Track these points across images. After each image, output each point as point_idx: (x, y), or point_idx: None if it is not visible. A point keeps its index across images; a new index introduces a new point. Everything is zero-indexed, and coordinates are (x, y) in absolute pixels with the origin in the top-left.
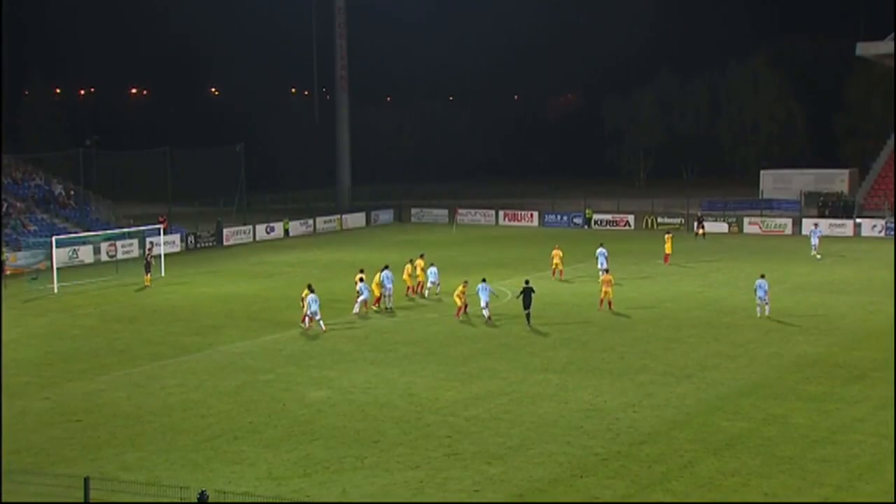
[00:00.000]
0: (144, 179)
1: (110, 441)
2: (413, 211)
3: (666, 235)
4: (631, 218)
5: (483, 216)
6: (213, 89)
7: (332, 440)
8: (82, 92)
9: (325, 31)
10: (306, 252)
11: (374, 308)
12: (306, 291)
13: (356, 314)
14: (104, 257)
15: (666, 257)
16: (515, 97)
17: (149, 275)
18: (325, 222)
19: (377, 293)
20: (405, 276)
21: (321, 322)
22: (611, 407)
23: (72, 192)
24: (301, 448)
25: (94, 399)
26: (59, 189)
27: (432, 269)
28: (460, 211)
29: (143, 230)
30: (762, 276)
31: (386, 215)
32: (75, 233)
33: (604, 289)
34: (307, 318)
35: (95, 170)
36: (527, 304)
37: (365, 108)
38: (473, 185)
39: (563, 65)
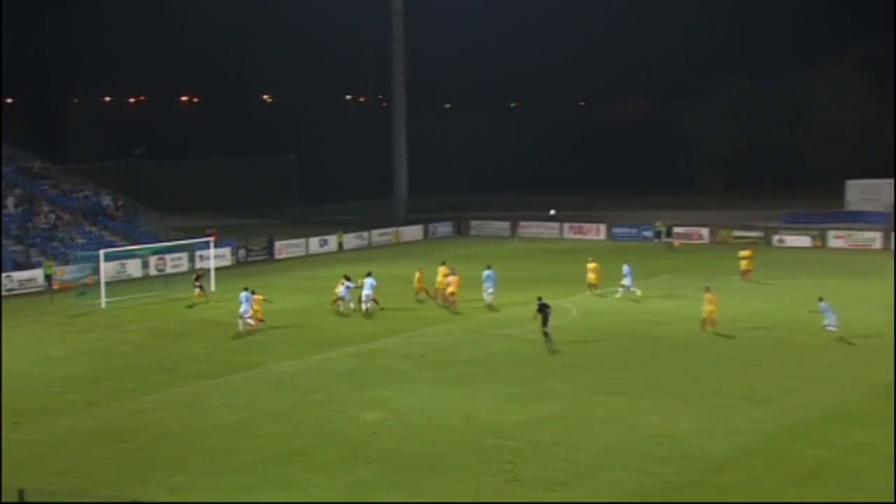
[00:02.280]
0: (194, 190)
1: (157, 463)
2: (473, 223)
3: (742, 252)
4: (705, 231)
5: (546, 228)
6: (265, 96)
7: (387, 464)
8: (133, 100)
9: (382, 35)
10: (361, 266)
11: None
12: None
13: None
14: (153, 271)
15: (745, 273)
16: (581, 103)
17: (199, 290)
18: (380, 235)
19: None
20: (415, 283)
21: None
22: (683, 432)
23: (120, 204)
24: (354, 472)
25: (141, 419)
26: (107, 201)
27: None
28: (523, 223)
29: (193, 243)
30: (821, 300)
31: (444, 228)
32: (123, 246)
33: (707, 307)
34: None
35: (144, 180)
36: (545, 321)
37: (422, 116)
38: (535, 196)
39: (631, 69)
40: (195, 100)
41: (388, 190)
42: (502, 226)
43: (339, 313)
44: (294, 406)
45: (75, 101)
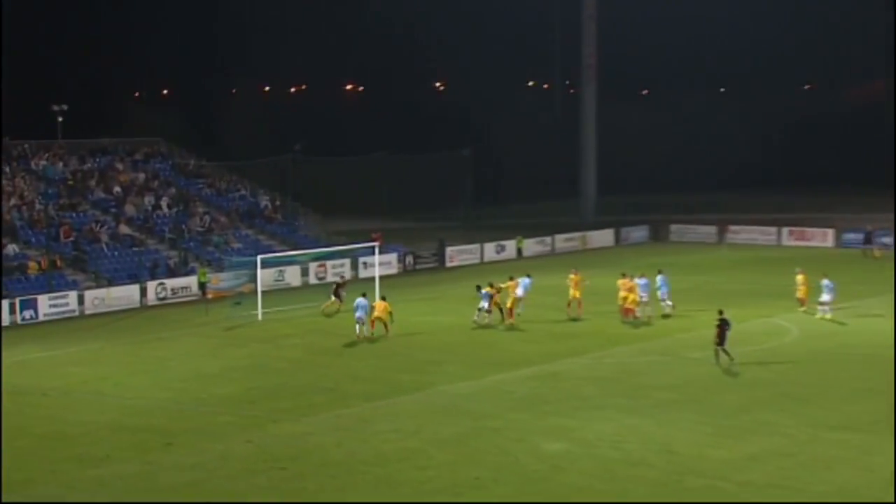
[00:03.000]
0: (356, 189)
1: (318, 493)
2: (672, 227)
3: None
4: None
5: (761, 234)
6: (436, 84)
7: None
8: (293, 89)
9: (570, 12)
10: (543, 276)
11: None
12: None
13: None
14: (312, 279)
15: None
16: (806, 87)
17: (335, 298)
18: (565, 240)
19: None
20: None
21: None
22: None
23: (278, 205)
24: None
25: (300, 444)
26: (264, 201)
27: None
28: (732, 228)
29: (356, 249)
30: None
31: (639, 232)
32: (282, 251)
33: None
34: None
35: (303, 179)
36: (721, 339)
37: (615, 104)
38: (748, 196)
39: (866, 47)
40: (359, 89)
41: (575, 189)
42: (708, 231)
43: (482, 326)
44: (467, 433)
45: (233, 91)
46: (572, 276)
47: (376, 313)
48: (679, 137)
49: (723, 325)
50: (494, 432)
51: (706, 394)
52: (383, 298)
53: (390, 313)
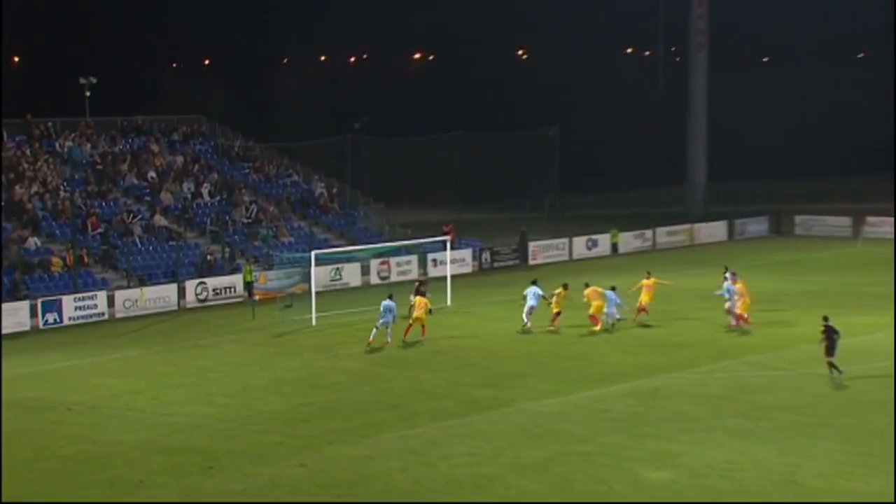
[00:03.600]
0: (426, 175)
1: None
2: (797, 219)
3: None
4: None
5: None
6: (518, 52)
7: None
8: (352, 59)
9: None
10: (641, 276)
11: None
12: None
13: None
14: (374, 279)
15: None
16: None
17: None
18: (668, 234)
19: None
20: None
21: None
22: None
23: (335, 192)
24: None
25: (359, 468)
26: (319, 188)
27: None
28: (870, 219)
29: (425, 243)
30: None
31: (757, 225)
32: (339, 246)
33: None
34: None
35: (365, 162)
36: (830, 349)
37: (729, 75)
38: (888, 182)
39: None
40: (429, 58)
41: (681, 174)
42: (840, 223)
43: (526, 331)
44: (553, 458)
45: (285, 61)
46: (645, 281)
47: (417, 313)
48: (804, 114)
49: (829, 334)
50: (585, 457)
51: (838, 415)
52: (422, 294)
53: (430, 311)
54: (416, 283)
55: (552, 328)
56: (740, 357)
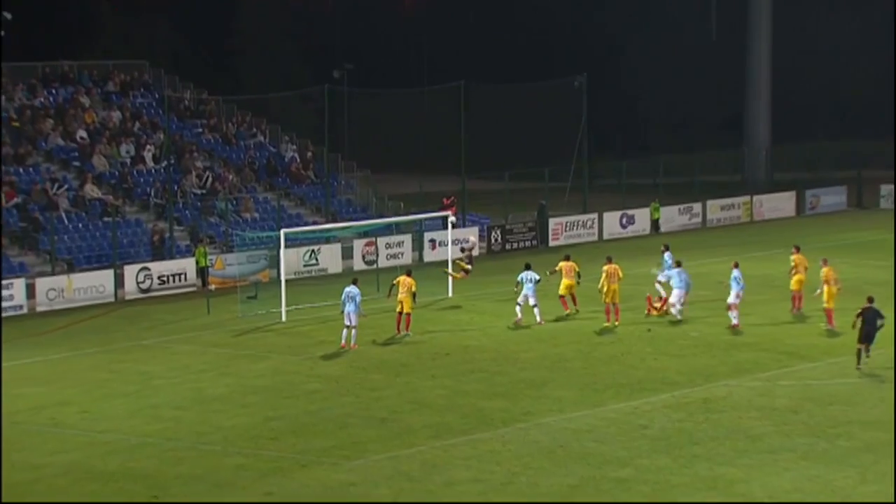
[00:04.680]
0: (422, 136)
1: None
2: (883, 189)
3: None
4: None
5: None
6: None
7: None
8: None
9: None
10: (692, 260)
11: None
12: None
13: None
14: (358, 263)
15: None
16: None
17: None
18: (722, 208)
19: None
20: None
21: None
22: None
23: (310, 157)
24: None
25: (340, 496)
26: (290, 152)
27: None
28: None
29: (420, 220)
30: None
31: (832, 196)
32: (315, 223)
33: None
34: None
35: (347, 120)
36: (866, 335)
37: (798, 12)
38: None
39: None
40: None
41: (738, 135)
42: None
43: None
44: (580, 486)
45: None
46: (606, 267)
47: (400, 296)
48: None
49: (869, 316)
50: (619, 485)
51: None
52: (408, 273)
53: (413, 295)
54: (467, 255)
55: (570, 312)
56: (812, 360)
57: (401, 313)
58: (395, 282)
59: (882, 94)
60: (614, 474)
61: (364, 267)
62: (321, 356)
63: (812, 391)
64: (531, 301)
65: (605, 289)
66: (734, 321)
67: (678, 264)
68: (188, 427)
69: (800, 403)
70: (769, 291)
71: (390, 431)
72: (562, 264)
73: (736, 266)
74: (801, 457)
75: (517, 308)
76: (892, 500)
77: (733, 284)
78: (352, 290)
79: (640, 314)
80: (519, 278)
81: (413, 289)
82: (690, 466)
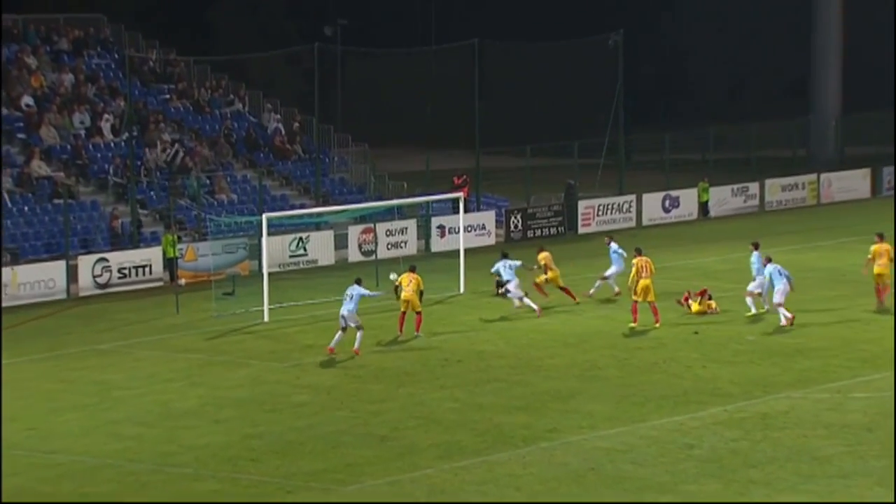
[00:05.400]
0: (429, 104)
1: None
2: None
3: None
4: None
5: None
6: None
7: None
8: None
9: None
10: (741, 251)
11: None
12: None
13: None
14: (354, 255)
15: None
16: None
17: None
18: (783, 188)
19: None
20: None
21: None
22: None
23: (296, 129)
24: None
25: None
26: (274, 123)
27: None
28: None
29: (428, 202)
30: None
31: None
32: (303, 206)
33: None
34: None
35: (341, 85)
36: None
37: None
38: None
39: None
40: None
41: (803, 103)
42: None
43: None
44: None
45: None
46: (636, 260)
47: (405, 294)
48: None
49: None
50: None
51: None
52: (412, 269)
53: (421, 293)
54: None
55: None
56: (892, 368)
57: (405, 313)
58: (396, 283)
59: None
60: (655, 501)
61: (361, 258)
62: (310, 363)
63: (890, 405)
64: (511, 288)
65: (636, 286)
66: (783, 320)
67: (769, 260)
68: (153, 447)
69: (876, 419)
70: (840, 287)
71: (391, 452)
72: (541, 255)
73: (769, 260)
74: (877, 482)
75: (526, 301)
76: (893, 501)
77: (775, 279)
78: (354, 288)
79: (683, 312)
80: (494, 269)
81: (421, 286)
82: (746, 493)
